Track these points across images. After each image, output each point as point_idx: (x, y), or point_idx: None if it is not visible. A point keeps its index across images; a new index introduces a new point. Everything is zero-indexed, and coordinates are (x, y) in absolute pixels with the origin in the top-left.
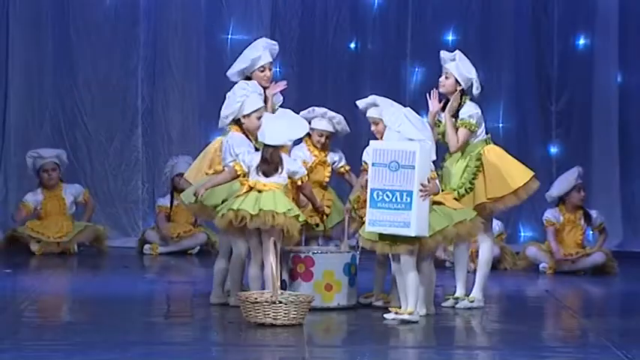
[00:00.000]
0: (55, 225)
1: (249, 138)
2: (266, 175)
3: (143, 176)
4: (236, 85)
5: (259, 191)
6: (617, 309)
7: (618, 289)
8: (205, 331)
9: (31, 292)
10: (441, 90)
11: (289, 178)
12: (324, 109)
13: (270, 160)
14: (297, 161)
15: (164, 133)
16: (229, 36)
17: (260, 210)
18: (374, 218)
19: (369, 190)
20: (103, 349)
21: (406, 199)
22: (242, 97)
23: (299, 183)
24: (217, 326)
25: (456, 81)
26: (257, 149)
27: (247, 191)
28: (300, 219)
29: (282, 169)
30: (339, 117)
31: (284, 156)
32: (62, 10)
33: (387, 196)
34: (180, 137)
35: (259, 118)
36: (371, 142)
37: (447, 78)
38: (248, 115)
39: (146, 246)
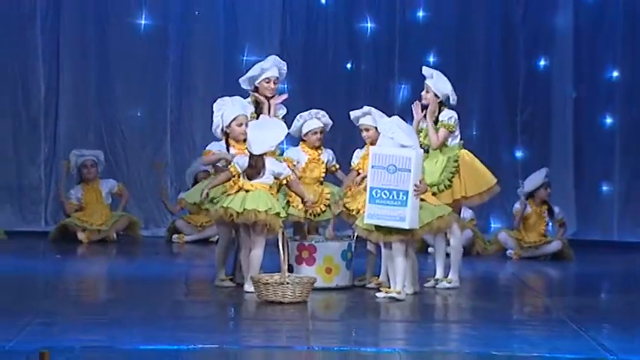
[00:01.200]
0: (96, 213)
1: (228, 145)
2: (249, 178)
3: (171, 176)
4: (214, 105)
5: (247, 191)
6: (573, 289)
7: (573, 272)
8: (223, 308)
9: (77, 274)
10: (423, 102)
11: (275, 178)
12: (307, 112)
13: (255, 166)
14: (281, 163)
15: (189, 140)
16: (244, 57)
17: (244, 209)
18: (372, 212)
19: (368, 189)
20: (138, 322)
21: (402, 198)
22: (219, 112)
23: (284, 182)
24: (233, 303)
25: (435, 94)
26: (228, 148)
27: (237, 191)
28: (281, 215)
29: (264, 172)
30: (321, 112)
31: (268, 160)
32: (103, 37)
33: (385, 194)
34: (203, 143)
35: (239, 125)
36: (371, 147)
37: (427, 92)
38: (229, 125)
39: (174, 235)
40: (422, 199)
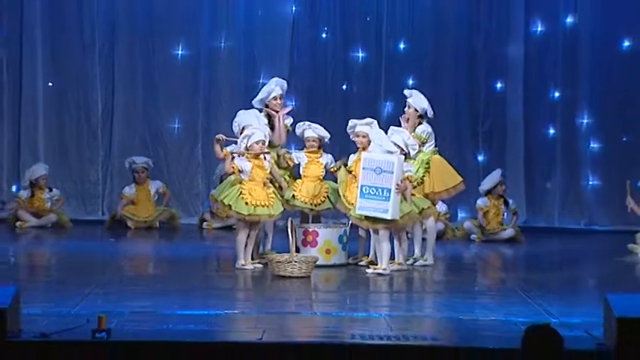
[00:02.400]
0: (144, 208)
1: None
2: None
3: (202, 177)
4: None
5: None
6: (523, 266)
7: (523, 252)
8: (244, 281)
9: (127, 254)
10: (406, 116)
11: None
12: (302, 122)
13: None
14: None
15: None
16: (260, 80)
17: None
18: (362, 205)
19: (359, 186)
20: (176, 292)
21: (386, 194)
22: (237, 122)
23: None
24: (250, 277)
25: (415, 109)
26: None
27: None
28: (233, 207)
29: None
30: (314, 125)
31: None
32: (149, 65)
33: (373, 190)
34: None
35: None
36: (363, 153)
37: (409, 107)
38: (241, 132)
39: (204, 223)
40: (413, 195)
